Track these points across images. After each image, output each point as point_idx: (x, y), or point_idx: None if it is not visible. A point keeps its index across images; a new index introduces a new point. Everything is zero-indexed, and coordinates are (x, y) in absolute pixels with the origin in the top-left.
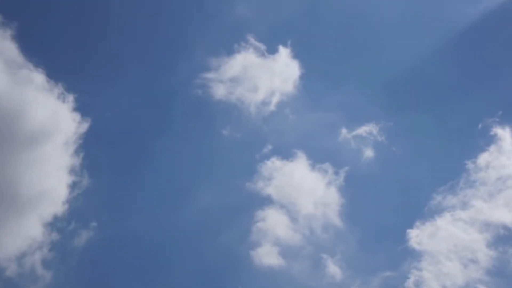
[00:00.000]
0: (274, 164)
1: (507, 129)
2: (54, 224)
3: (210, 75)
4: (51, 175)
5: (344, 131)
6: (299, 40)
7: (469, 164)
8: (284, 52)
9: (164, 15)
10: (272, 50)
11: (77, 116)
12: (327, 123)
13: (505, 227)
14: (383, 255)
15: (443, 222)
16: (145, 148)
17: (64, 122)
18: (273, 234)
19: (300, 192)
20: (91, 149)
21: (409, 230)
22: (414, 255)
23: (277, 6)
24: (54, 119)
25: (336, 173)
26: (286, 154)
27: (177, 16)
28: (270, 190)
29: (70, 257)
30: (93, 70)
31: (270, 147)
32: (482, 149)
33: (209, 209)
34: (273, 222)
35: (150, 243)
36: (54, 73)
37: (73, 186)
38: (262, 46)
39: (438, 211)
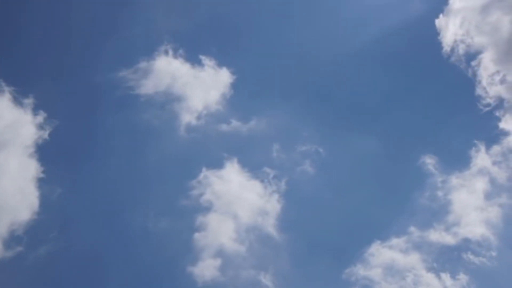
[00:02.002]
0: (207, 176)
1: None
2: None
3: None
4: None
5: (276, 142)
6: (225, 48)
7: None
8: (209, 61)
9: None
10: (197, 60)
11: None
12: (259, 133)
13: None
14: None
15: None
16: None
17: None
18: (212, 247)
19: (236, 203)
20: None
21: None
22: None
23: (197, 14)
24: None
25: (273, 183)
26: (218, 165)
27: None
28: (206, 201)
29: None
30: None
31: (202, 158)
32: None
33: (147, 225)
34: (211, 234)
35: (90, 258)
36: None
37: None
38: (188, 56)
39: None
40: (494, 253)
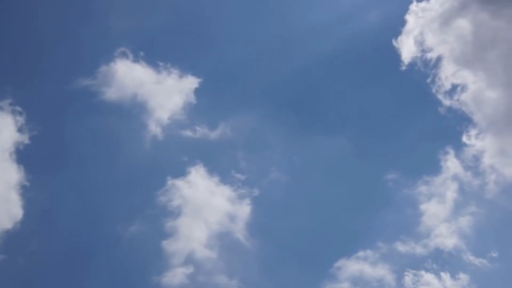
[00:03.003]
0: (174, 183)
1: None
2: None
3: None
4: None
5: (244, 147)
6: (189, 52)
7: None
8: (172, 66)
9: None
10: (159, 65)
11: None
12: (226, 139)
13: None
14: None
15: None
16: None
17: None
18: (181, 253)
19: (205, 209)
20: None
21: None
22: None
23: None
24: None
25: (242, 188)
26: (185, 171)
27: None
28: (174, 208)
29: None
30: None
31: (169, 166)
32: None
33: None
34: (181, 241)
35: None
36: None
37: None
38: (150, 61)
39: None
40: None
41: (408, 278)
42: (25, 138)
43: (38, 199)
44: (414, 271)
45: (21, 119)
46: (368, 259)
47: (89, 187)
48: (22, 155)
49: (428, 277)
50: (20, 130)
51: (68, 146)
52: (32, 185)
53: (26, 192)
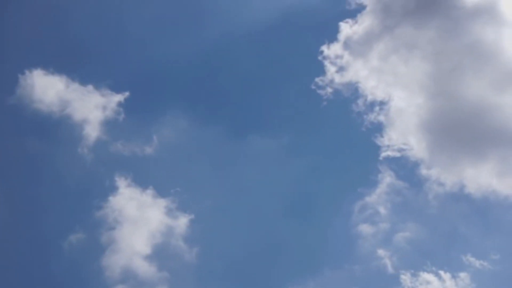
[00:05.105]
0: (108, 199)
1: None
2: None
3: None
4: None
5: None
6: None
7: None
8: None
9: None
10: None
11: None
12: (157, 152)
13: None
14: None
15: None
16: None
17: None
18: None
19: (143, 222)
20: None
21: None
22: None
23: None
24: None
25: (179, 200)
26: (119, 186)
27: None
28: (112, 222)
29: None
30: None
31: (102, 181)
32: None
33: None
34: (119, 255)
35: None
36: None
37: None
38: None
39: None
40: None
41: None
42: None
43: None
44: None
45: None
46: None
47: (20, 205)
48: None
49: None
50: None
51: None
52: None
53: None
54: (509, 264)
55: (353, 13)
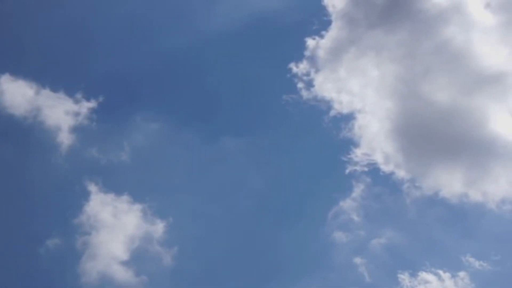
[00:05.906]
0: (84, 208)
1: None
2: None
3: None
4: None
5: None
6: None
7: None
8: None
9: None
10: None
11: None
12: (131, 158)
13: None
14: None
15: None
16: None
17: None
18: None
19: (120, 229)
20: None
21: None
22: None
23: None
24: None
25: (154, 205)
26: (93, 193)
27: None
28: (88, 228)
29: None
30: None
31: (76, 189)
32: None
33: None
34: (96, 261)
35: None
36: None
37: None
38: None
39: None
40: None
41: None
42: None
43: None
44: None
45: None
46: None
47: None
48: None
49: None
50: None
51: None
52: None
53: None
54: (487, 270)
55: (318, 30)
